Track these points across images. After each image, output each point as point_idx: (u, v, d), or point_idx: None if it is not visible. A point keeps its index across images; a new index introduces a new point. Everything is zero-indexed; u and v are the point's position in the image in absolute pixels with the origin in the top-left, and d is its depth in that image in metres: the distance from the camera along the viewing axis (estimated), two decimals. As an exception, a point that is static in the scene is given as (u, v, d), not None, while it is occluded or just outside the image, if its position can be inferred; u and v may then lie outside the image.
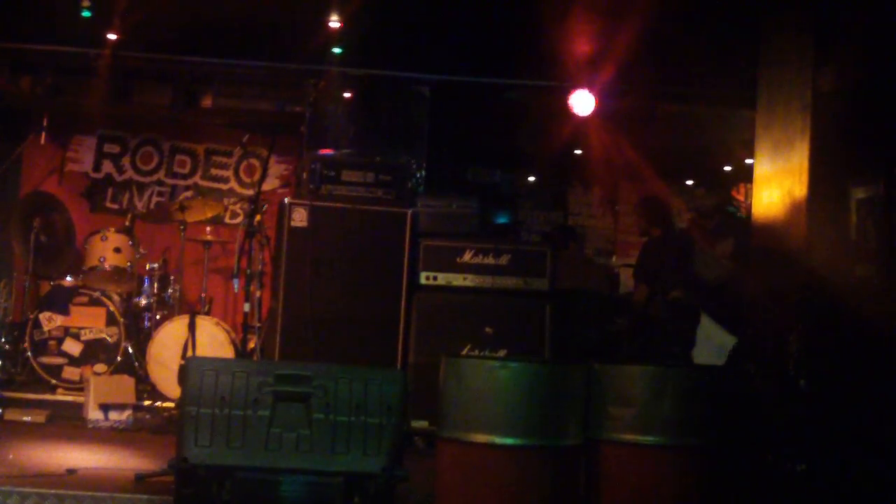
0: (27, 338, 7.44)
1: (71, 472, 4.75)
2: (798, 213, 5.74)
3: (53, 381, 7.42)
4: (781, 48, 6.14)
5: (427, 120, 9.21)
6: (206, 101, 9.16)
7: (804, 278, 5.55)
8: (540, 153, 10.04)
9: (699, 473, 4.30)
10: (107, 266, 7.75)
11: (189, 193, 9.26)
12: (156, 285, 7.92)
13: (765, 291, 5.89)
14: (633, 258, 8.62)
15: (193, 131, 9.48)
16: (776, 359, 5.47)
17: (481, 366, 4.35)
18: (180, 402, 4.46)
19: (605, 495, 4.31)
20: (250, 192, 9.00)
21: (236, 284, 6.24)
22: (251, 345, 6.32)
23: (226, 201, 9.09)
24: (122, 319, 7.55)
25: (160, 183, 9.45)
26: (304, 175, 6.58)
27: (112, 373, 7.36)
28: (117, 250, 7.80)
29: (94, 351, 7.51)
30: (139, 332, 7.85)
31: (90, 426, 6.50)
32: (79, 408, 6.78)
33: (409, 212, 6.45)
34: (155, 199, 9.40)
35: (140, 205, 9.33)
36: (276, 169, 9.33)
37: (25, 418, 6.47)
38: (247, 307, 6.13)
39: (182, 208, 8.12)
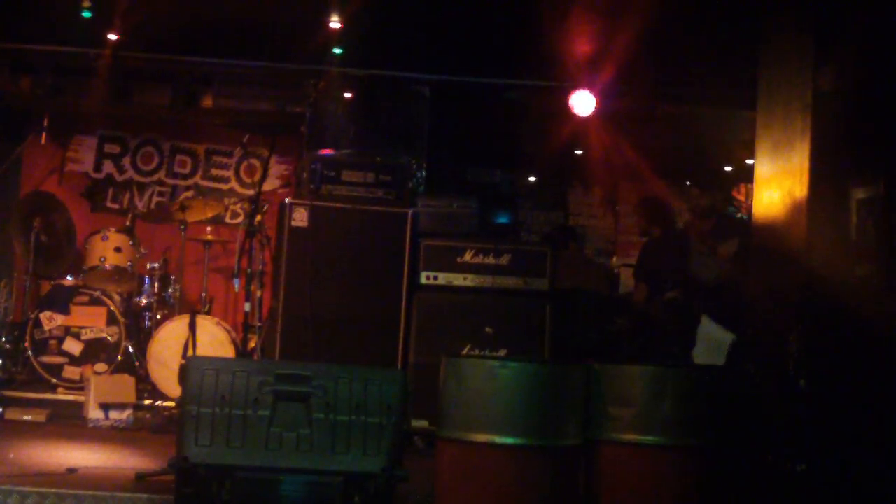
0: (28, 337, 7.45)
1: (71, 471, 4.76)
2: (798, 214, 5.73)
3: (54, 381, 7.42)
4: (781, 48, 6.12)
5: (427, 120, 9.20)
6: (207, 101, 9.15)
7: (804, 278, 5.54)
8: (540, 153, 10.02)
9: (699, 473, 4.30)
10: (107, 266, 7.76)
11: (189, 193, 9.26)
12: (156, 285, 7.94)
13: (765, 291, 5.89)
14: (633, 258, 8.62)
15: (194, 131, 9.50)
16: (776, 359, 5.47)
17: (481, 366, 4.35)
18: (181, 402, 4.47)
19: (604, 495, 4.30)
20: (251, 192, 9.01)
21: (237, 284, 6.26)
22: (251, 344, 6.32)
23: (226, 201, 9.10)
24: (122, 319, 7.55)
25: (161, 183, 9.47)
26: (305, 175, 6.59)
27: (112, 372, 7.37)
28: (118, 250, 7.81)
29: (95, 350, 7.52)
30: (139, 331, 7.86)
31: (90, 425, 6.51)
32: (79, 407, 6.79)
33: (410, 212, 6.46)
34: (155, 198, 9.41)
35: (141, 205, 9.34)
36: (277, 169, 9.35)
37: (26, 417, 6.48)
38: (247, 307, 6.14)
39: (183, 208, 8.13)
